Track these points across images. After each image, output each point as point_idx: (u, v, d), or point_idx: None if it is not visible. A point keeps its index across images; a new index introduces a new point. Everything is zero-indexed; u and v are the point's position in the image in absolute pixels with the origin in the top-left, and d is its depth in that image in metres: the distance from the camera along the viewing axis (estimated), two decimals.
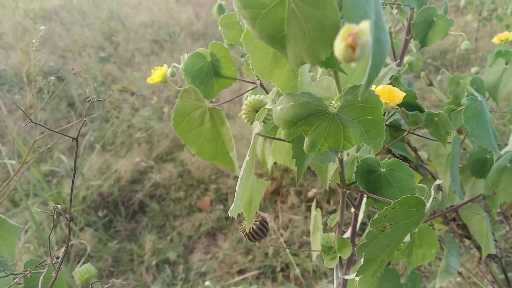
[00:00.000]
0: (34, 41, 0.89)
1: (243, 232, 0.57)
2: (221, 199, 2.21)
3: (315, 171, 0.62)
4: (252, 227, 0.59)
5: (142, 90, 3.31)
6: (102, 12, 5.68)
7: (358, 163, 0.47)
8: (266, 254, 1.83)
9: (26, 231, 1.93)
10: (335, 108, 0.35)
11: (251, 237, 0.59)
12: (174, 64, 0.73)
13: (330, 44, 0.28)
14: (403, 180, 0.46)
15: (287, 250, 1.80)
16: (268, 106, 0.43)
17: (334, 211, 2.02)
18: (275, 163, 2.03)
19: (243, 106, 0.46)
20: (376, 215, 0.37)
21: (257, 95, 0.46)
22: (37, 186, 2.23)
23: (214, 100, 0.69)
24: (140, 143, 2.64)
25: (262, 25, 0.30)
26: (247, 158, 0.42)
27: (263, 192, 0.54)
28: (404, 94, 0.48)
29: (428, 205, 0.38)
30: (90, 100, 0.64)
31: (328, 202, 2.05)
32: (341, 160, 0.45)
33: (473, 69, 0.98)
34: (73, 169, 0.60)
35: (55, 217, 0.59)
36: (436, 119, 0.66)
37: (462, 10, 4.40)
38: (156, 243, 1.95)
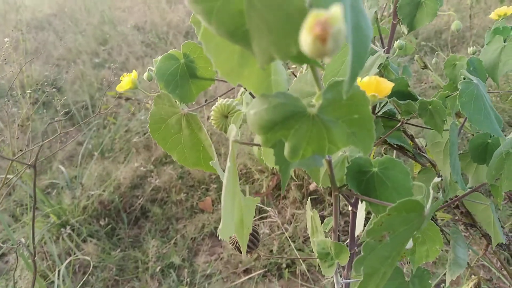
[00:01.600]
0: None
1: (232, 245, 0.54)
2: None
3: (307, 172, 0.59)
4: None
5: (137, 94, 3.27)
6: (94, 17, 5.64)
7: (348, 163, 0.44)
8: (271, 251, 1.80)
9: (28, 246, 1.91)
10: (315, 108, 0.31)
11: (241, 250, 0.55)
12: (150, 67, 0.70)
13: (299, 35, 0.25)
14: (398, 179, 0.42)
15: (292, 246, 1.78)
16: (243, 109, 0.39)
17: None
18: None
19: (211, 112, 0.42)
20: (371, 225, 0.34)
21: (226, 99, 0.42)
22: (37, 199, 2.20)
23: (194, 103, 0.66)
24: (138, 148, 2.61)
25: (219, 20, 0.26)
26: (226, 173, 0.38)
27: (253, 209, 0.51)
28: (393, 84, 0.44)
29: (427, 206, 0.34)
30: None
31: (330, 195, 2.02)
32: (329, 162, 0.41)
33: (470, 49, 0.93)
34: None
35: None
36: (430, 107, 0.62)
37: None
38: (160, 248, 1.93)
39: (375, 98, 0.44)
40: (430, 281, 0.72)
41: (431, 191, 0.36)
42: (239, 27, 0.27)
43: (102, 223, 2.07)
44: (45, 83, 3.26)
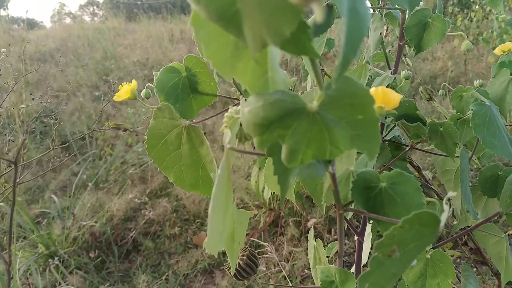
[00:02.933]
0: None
1: (228, 270, 0.49)
2: None
3: (309, 193, 0.54)
4: (239, 263, 0.51)
5: (136, 126, 3.25)
6: (97, 53, 5.71)
7: (354, 178, 0.40)
8: None
9: (12, 277, 1.82)
10: (315, 105, 0.28)
11: (238, 275, 0.50)
12: (148, 84, 0.67)
13: (294, 14, 0.21)
14: (409, 195, 0.38)
15: (289, 284, 1.69)
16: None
17: (336, 240, 1.92)
18: (272, 193, 1.94)
19: (224, 119, 0.39)
20: (382, 237, 0.30)
21: (240, 106, 0.38)
22: (25, 228, 2.13)
23: (193, 120, 0.62)
24: (134, 179, 2.56)
25: None
26: (216, 181, 0.34)
27: (246, 224, 0.46)
28: (401, 96, 0.41)
29: (442, 222, 0.30)
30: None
31: (329, 232, 1.96)
32: (333, 176, 0.37)
33: (476, 82, 0.92)
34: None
35: None
36: (441, 129, 0.59)
37: (448, 36, 4.43)
38: (150, 283, 1.84)
39: (382, 109, 0.41)
40: None
41: (446, 207, 0.32)
42: (229, 7, 0.24)
43: (91, 255, 1.99)
44: (44, 113, 3.24)
